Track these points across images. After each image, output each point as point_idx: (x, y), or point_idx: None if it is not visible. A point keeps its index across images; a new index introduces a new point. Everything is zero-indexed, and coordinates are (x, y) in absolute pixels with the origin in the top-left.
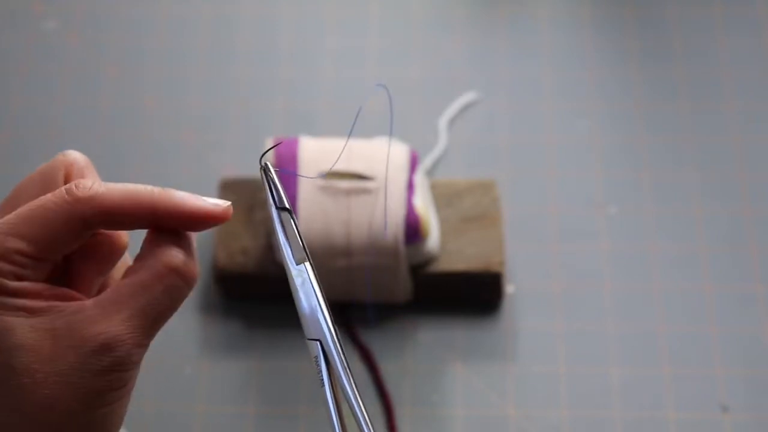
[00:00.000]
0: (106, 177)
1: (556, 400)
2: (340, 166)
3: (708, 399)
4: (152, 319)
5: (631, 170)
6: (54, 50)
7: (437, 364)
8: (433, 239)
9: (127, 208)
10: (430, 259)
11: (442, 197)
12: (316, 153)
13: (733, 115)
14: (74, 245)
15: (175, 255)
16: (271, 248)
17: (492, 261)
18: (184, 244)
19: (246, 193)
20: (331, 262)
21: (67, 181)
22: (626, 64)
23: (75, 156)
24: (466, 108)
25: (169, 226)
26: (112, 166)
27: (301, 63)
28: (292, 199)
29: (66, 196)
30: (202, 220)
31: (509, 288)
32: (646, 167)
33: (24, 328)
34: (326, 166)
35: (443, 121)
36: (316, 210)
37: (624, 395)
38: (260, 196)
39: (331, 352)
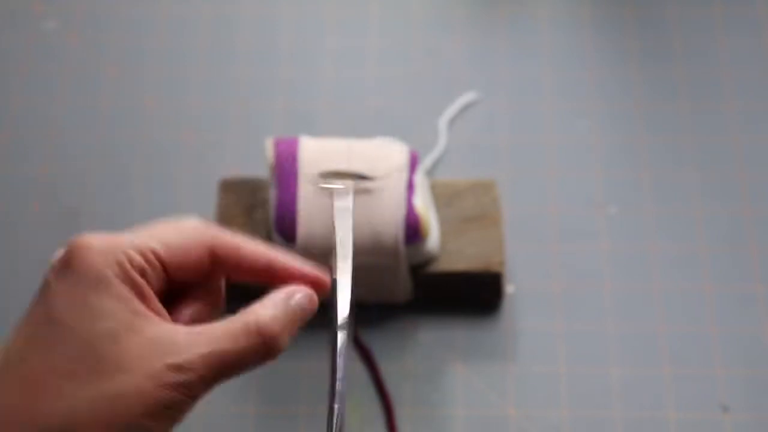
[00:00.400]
0: (106, 177)
1: (556, 400)
2: (340, 166)
3: (708, 399)
4: (223, 365)
5: (631, 170)
6: (54, 50)
7: (437, 364)
8: (433, 239)
9: (247, 254)
10: (430, 259)
11: (442, 197)
12: (316, 153)
13: (733, 115)
14: (197, 271)
15: (271, 322)
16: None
17: (492, 261)
18: (288, 313)
19: (246, 193)
20: (331, 262)
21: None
22: (626, 64)
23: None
24: (466, 108)
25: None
26: (113, 166)
27: (301, 63)
28: (293, 198)
29: (201, 226)
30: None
31: (509, 288)
32: (646, 167)
33: (123, 321)
34: (326, 166)
35: (443, 121)
36: (316, 210)
37: (624, 395)
38: (260, 196)
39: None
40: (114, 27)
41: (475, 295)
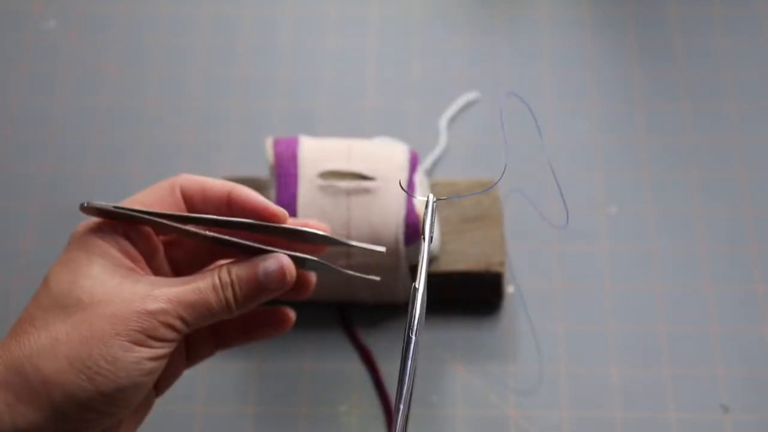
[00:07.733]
0: (106, 177)
1: (556, 400)
2: (340, 166)
3: (708, 399)
4: (191, 307)
5: (631, 170)
6: (54, 50)
7: (437, 364)
8: (434, 239)
9: (210, 187)
10: (430, 259)
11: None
12: (316, 153)
13: (733, 115)
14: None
15: (224, 277)
16: None
17: (492, 261)
18: (251, 279)
19: None
20: (331, 262)
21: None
22: (626, 64)
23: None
24: (466, 108)
25: None
26: (113, 165)
27: (301, 63)
28: (293, 198)
29: (170, 178)
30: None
31: (509, 288)
32: (646, 167)
33: (107, 275)
34: (326, 166)
35: (443, 121)
36: (316, 210)
37: (624, 395)
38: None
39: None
40: (114, 27)
41: (475, 295)
